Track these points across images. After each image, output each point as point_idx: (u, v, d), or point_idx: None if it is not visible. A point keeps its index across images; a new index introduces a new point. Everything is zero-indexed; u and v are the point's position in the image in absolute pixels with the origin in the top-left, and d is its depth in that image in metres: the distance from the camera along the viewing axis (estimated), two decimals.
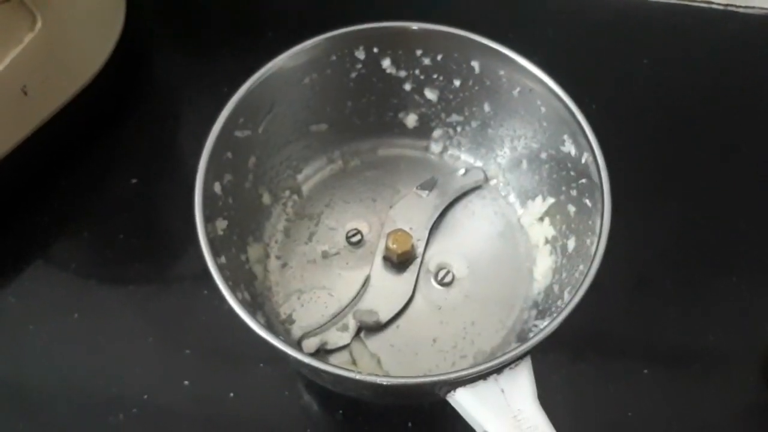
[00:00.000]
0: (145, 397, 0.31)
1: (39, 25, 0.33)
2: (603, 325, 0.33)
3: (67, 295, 0.34)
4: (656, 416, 0.31)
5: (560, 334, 0.24)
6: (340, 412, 0.31)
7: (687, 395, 0.32)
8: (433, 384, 0.23)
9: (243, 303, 0.24)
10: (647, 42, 0.42)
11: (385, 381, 0.22)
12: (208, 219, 0.25)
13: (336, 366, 0.23)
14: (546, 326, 0.23)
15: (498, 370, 0.23)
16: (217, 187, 0.27)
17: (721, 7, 0.43)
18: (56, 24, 0.34)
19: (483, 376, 0.23)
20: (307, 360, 0.22)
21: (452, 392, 0.23)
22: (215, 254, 0.24)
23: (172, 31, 0.42)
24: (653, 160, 0.38)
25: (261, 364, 0.32)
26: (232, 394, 0.31)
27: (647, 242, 0.35)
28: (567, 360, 0.32)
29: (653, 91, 0.40)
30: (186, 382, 0.32)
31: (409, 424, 0.31)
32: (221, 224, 0.28)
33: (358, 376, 0.22)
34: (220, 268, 0.24)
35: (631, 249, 0.33)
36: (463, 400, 0.23)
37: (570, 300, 0.24)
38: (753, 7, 0.43)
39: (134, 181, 0.37)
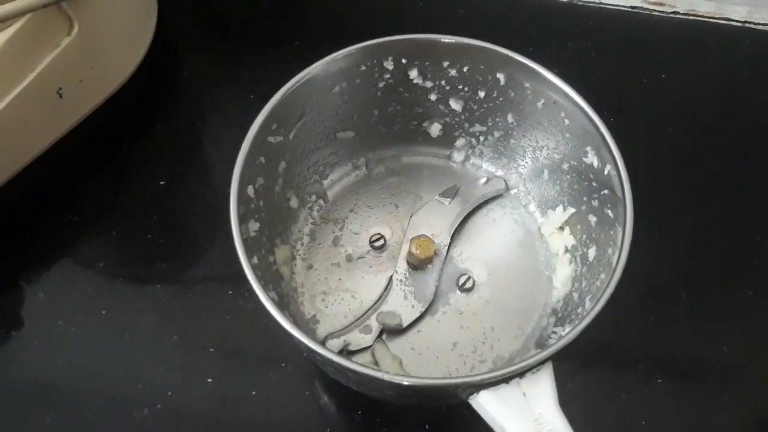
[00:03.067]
0: (169, 393, 0.32)
1: (76, 30, 0.34)
2: (618, 335, 0.33)
3: (94, 293, 0.35)
4: (670, 425, 0.32)
5: (576, 343, 0.25)
6: (359, 412, 0.32)
7: (700, 406, 0.32)
8: (458, 386, 0.23)
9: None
10: (666, 56, 0.43)
11: (411, 382, 0.23)
12: (242, 220, 0.26)
13: (366, 366, 0.23)
14: (569, 333, 0.24)
15: (521, 374, 0.23)
16: (250, 191, 0.28)
17: (739, 24, 0.44)
18: (92, 29, 0.35)
19: (506, 379, 0.23)
20: (337, 359, 0.23)
21: (475, 394, 0.23)
22: (249, 255, 0.25)
23: (201, 38, 0.43)
24: (669, 173, 0.39)
25: (283, 364, 0.33)
26: (254, 393, 0.32)
27: (663, 254, 0.36)
28: (582, 368, 0.33)
29: (670, 105, 0.41)
30: (209, 380, 0.32)
31: (427, 426, 0.31)
32: (253, 226, 0.28)
33: (386, 377, 0.23)
34: (253, 269, 0.25)
35: (647, 260, 0.34)
36: (485, 402, 0.23)
37: (592, 308, 0.24)
38: None
39: (162, 182, 0.38)
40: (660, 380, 0.32)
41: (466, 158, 0.35)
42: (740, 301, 0.35)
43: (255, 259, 0.27)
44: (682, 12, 0.44)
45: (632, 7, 0.44)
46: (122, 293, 0.35)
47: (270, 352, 0.33)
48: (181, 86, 0.42)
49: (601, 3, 0.44)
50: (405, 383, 0.23)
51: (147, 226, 0.36)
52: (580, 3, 0.44)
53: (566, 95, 0.28)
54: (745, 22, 0.43)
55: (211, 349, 0.33)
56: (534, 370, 0.24)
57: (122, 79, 0.38)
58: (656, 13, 0.44)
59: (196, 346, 0.33)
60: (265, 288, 0.26)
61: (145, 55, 0.39)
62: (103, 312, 0.34)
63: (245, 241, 0.25)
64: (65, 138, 0.37)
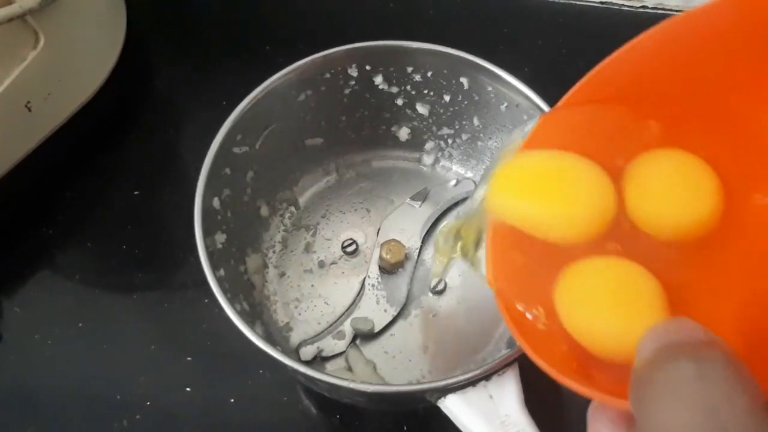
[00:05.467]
0: (148, 403, 0.32)
1: (42, 43, 0.34)
2: None
3: (71, 305, 0.35)
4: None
5: None
6: (338, 416, 0.32)
7: None
8: (424, 391, 0.24)
9: (242, 313, 0.25)
10: None
11: (377, 389, 0.23)
12: (207, 233, 0.26)
13: (330, 374, 0.24)
14: None
15: (486, 376, 0.24)
16: (215, 203, 0.28)
17: None
18: (59, 41, 0.35)
19: (472, 382, 0.24)
20: (302, 369, 0.23)
21: (443, 398, 0.24)
22: (214, 268, 0.25)
23: (171, 47, 0.43)
24: None
25: (261, 370, 0.33)
26: (232, 400, 0.32)
27: None
28: None
29: None
30: (188, 389, 0.33)
31: (405, 428, 0.32)
32: (220, 238, 0.29)
33: (351, 385, 0.23)
34: (219, 281, 0.25)
35: None
36: (453, 405, 0.24)
37: None
38: None
39: (136, 192, 0.38)
40: None
41: (436, 161, 0.35)
42: None
43: (222, 272, 0.27)
44: (650, 6, 0.44)
45: (602, 3, 0.44)
46: (99, 304, 0.35)
47: (248, 359, 0.33)
48: (152, 95, 0.42)
49: None
50: (370, 390, 0.23)
51: (122, 236, 0.37)
52: (551, 0, 0.44)
53: (527, 97, 0.29)
54: None
55: (189, 358, 0.33)
56: (500, 373, 0.24)
57: (92, 90, 0.38)
58: (626, 8, 0.44)
59: (174, 355, 0.34)
60: (234, 299, 0.26)
61: (115, 65, 0.39)
62: (80, 324, 0.34)
63: (211, 255, 0.26)
64: (37, 151, 0.36)
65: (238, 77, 0.42)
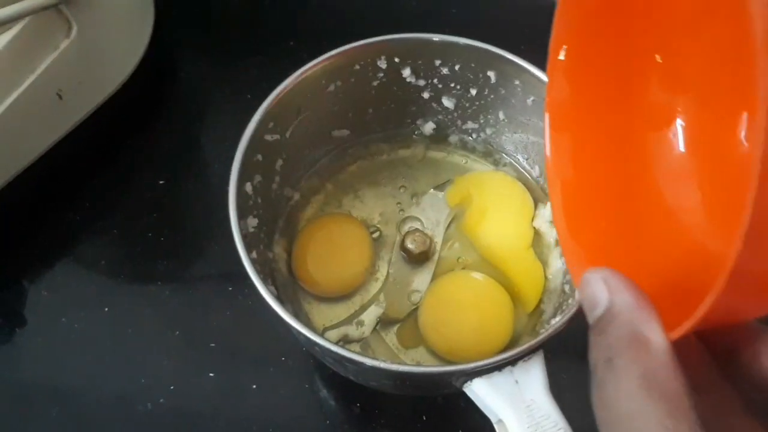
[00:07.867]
0: (172, 387, 0.33)
1: (74, 32, 0.34)
2: None
3: (97, 290, 0.36)
4: None
5: (568, 336, 0.25)
6: (358, 405, 0.33)
7: None
8: (452, 374, 0.24)
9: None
10: None
11: (407, 370, 0.24)
12: (241, 217, 0.27)
13: (363, 354, 0.24)
14: (557, 322, 0.25)
15: (513, 361, 0.24)
16: (248, 188, 0.29)
17: None
18: (91, 31, 0.35)
19: (498, 367, 0.24)
20: (335, 349, 0.24)
21: (469, 382, 0.24)
22: (248, 250, 0.26)
23: (198, 39, 0.44)
24: None
25: (282, 358, 0.34)
26: (254, 386, 0.33)
27: None
28: (575, 360, 0.33)
29: None
30: (211, 374, 0.33)
31: (424, 417, 0.32)
32: (252, 222, 0.29)
33: (382, 365, 0.23)
34: (252, 263, 0.26)
35: None
36: (479, 389, 0.24)
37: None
38: None
39: (162, 181, 0.38)
40: None
41: (460, 155, 0.36)
42: None
43: (254, 254, 0.27)
44: None
45: None
46: (124, 290, 0.36)
47: (270, 346, 0.34)
48: (178, 86, 0.42)
49: None
50: (401, 371, 0.24)
51: (148, 224, 0.37)
52: None
53: None
54: None
55: (213, 344, 0.34)
56: (525, 358, 0.24)
57: (121, 79, 0.39)
58: None
59: (198, 341, 0.34)
60: (265, 282, 0.27)
61: (143, 56, 0.40)
62: (106, 309, 0.35)
63: (244, 237, 0.26)
64: (66, 138, 0.37)
65: (262, 71, 0.42)
